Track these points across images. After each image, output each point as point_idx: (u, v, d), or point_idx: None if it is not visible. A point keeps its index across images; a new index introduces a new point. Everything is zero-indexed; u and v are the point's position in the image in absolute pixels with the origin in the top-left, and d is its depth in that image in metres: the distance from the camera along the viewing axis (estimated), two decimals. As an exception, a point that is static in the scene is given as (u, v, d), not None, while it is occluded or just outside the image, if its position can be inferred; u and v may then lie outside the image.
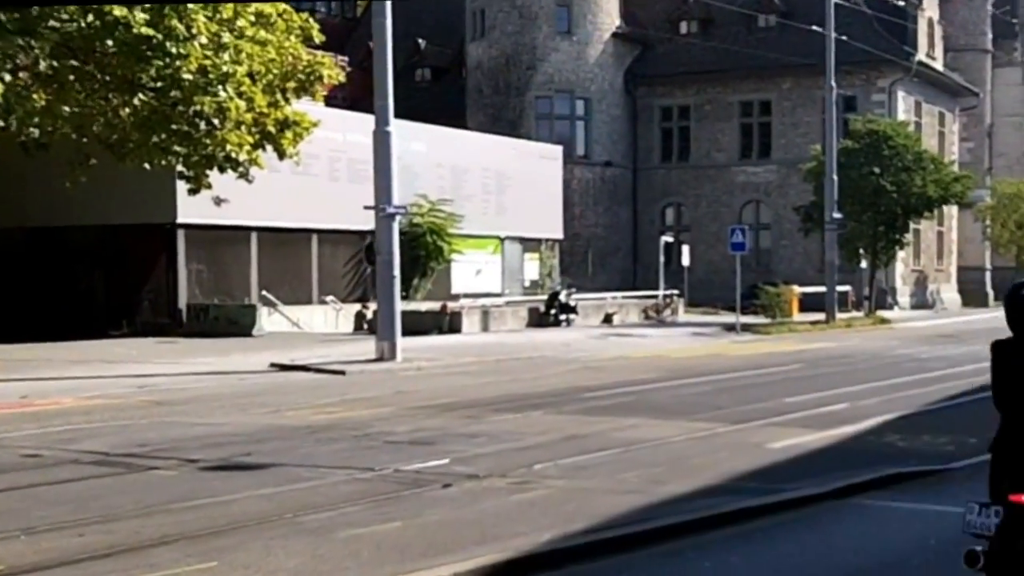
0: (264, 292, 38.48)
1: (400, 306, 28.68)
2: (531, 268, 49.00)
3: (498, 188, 47.03)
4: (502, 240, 47.43)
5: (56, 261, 39.04)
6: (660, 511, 10.10)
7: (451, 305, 37.83)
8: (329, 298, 40.26)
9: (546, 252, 49.74)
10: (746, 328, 38.98)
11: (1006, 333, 6.50)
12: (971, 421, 15.52)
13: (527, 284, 47.60)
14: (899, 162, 46.90)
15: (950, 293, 68.68)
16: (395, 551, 8.77)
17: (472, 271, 45.79)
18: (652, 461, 12.96)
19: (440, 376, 24.77)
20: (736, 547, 9.29)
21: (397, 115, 28.55)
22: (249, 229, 38.14)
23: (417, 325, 35.35)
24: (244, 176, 27.62)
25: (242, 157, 25.98)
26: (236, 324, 35.68)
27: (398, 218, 28.36)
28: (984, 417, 15.29)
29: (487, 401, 19.36)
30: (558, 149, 52.28)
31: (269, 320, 37.78)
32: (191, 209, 35.59)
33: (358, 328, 37.91)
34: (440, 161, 44.45)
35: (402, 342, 28.04)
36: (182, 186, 34.30)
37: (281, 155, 27.48)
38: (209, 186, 27.20)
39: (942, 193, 48.31)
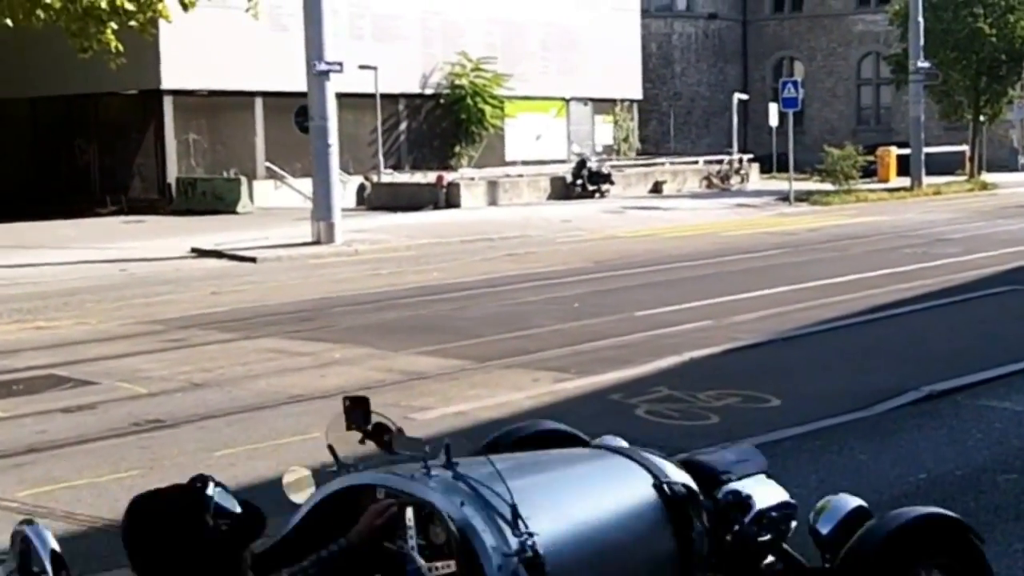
0: (268, 164, 34.82)
1: (337, 180, 25.19)
2: (604, 132, 43.86)
3: (562, 44, 41.69)
4: (567, 101, 42.41)
5: (58, 133, 36.19)
6: None
7: (448, 176, 33.42)
8: (335, 169, 36.43)
9: (622, 114, 44.40)
10: (805, 197, 33.23)
11: None
12: (829, 358, 11.54)
13: (599, 149, 42.41)
14: (1003, 1, 40.27)
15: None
16: None
17: (531, 136, 41.12)
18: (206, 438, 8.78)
19: (356, 264, 21.64)
20: None
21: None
22: (252, 94, 34.47)
23: (414, 199, 31.80)
24: (144, 31, 24.17)
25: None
26: (222, 200, 32.38)
27: (332, 76, 24.15)
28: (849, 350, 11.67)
29: (281, 310, 15.49)
30: (634, -1, 46.24)
31: (277, 194, 34.35)
32: (180, 74, 32.39)
33: (360, 202, 33.98)
34: (490, 16, 39.60)
35: (359, 221, 25.36)
36: (168, 47, 31.23)
37: (185, 6, 23.87)
38: (98, 43, 23.60)
39: None
